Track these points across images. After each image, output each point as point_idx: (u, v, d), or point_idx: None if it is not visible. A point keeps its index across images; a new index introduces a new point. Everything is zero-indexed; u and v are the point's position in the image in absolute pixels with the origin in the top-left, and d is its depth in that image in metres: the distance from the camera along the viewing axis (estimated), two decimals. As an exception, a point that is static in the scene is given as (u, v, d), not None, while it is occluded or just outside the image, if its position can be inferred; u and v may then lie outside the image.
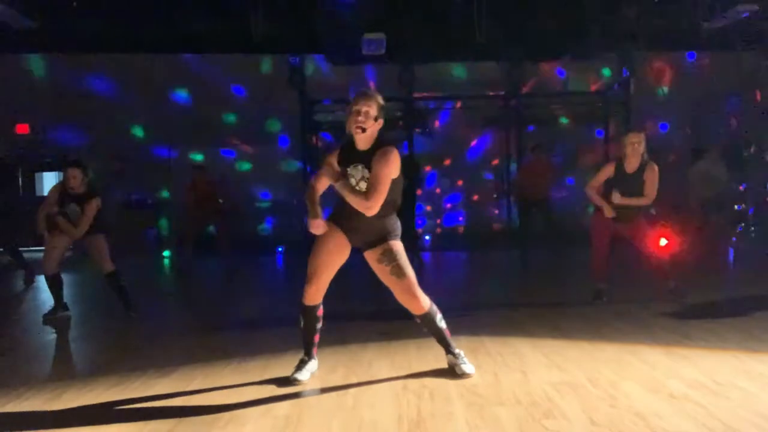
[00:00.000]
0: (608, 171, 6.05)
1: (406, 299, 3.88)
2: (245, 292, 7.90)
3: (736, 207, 11.35)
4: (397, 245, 3.87)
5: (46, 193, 14.09)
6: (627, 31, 10.39)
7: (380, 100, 3.77)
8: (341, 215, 3.85)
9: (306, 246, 4.56)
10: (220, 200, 9.56)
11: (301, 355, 4.01)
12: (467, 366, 3.93)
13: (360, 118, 3.68)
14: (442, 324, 3.98)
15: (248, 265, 10.12)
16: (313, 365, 4.00)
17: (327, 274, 3.87)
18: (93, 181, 6.25)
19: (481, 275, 9.33)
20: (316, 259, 3.84)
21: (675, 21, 10.07)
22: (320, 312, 3.95)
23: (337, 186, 3.73)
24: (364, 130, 3.70)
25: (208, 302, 7.41)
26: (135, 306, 6.18)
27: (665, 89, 12.95)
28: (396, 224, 3.92)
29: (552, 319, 5.44)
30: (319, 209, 3.82)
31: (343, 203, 3.80)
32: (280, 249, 11.70)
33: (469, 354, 4.34)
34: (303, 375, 3.89)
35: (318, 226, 3.76)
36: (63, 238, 6.07)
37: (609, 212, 5.97)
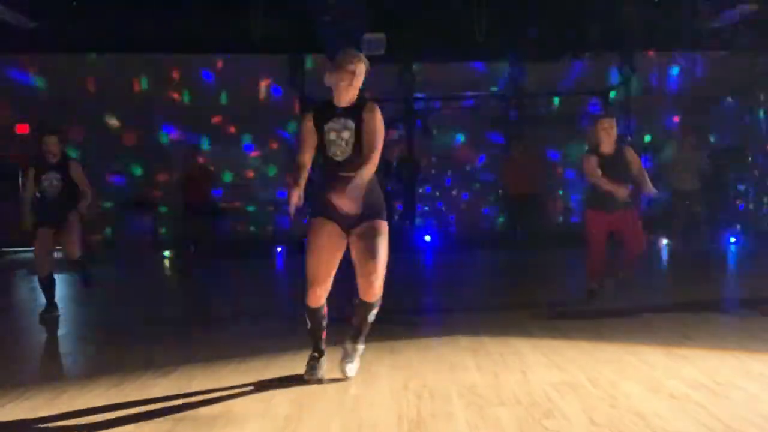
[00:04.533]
0: (591, 160, 5.98)
1: (366, 282, 3.73)
2: (245, 292, 7.90)
3: (739, 206, 11.38)
4: (384, 226, 3.76)
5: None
6: (627, 31, 10.41)
7: (366, 62, 3.75)
8: (323, 199, 3.69)
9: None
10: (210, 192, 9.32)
11: (307, 353, 3.97)
12: (351, 366, 3.90)
13: (346, 75, 3.65)
14: (372, 318, 3.91)
15: (248, 265, 10.12)
16: (324, 360, 3.96)
17: (328, 272, 3.77)
18: (67, 149, 6.20)
19: (481, 275, 9.33)
20: (314, 260, 3.74)
21: (675, 21, 10.07)
22: (325, 310, 3.90)
23: (349, 191, 3.49)
24: (350, 85, 3.67)
25: (207, 302, 7.40)
26: (94, 281, 6.25)
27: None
28: (383, 203, 3.81)
29: (552, 319, 5.44)
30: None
31: (324, 188, 3.68)
32: (279, 249, 11.69)
33: (469, 354, 4.36)
34: (321, 372, 3.86)
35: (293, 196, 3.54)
36: (49, 234, 5.95)
37: (624, 192, 5.84)
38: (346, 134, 3.66)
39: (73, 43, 11.10)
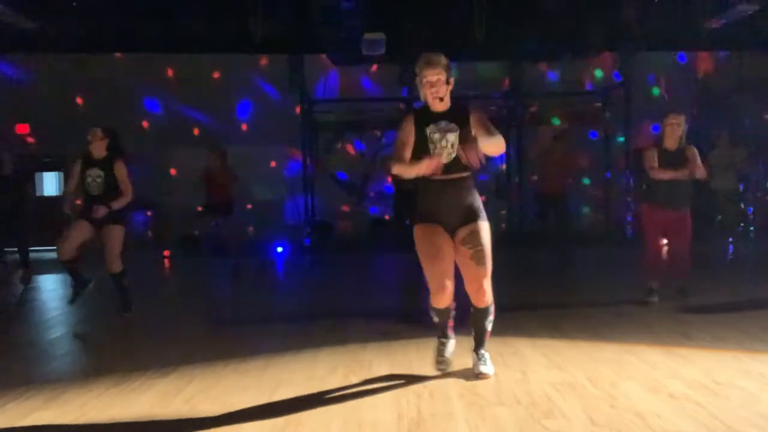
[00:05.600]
0: (652, 154, 5.91)
1: (475, 288, 3.75)
2: (245, 292, 7.90)
3: (742, 206, 11.35)
4: (486, 227, 3.76)
5: (46, 194, 14.11)
6: (627, 31, 10.41)
7: (444, 60, 3.72)
8: (428, 204, 3.75)
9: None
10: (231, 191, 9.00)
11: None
12: (486, 367, 3.89)
13: (434, 89, 3.66)
14: (489, 326, 3.92)
15: (248, 264, 10.12)
16: (452, 344, 4.00)
17: (450, 275, 3.75)
18: (118, 146, 5.96)
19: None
20: (435, 268, 3.70)
21: (675, 21, 10.07)
22: (453, 304, 3.91)
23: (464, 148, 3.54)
24: (442, 99, 3.69)
25: (207, 302, 7.40)
26: (130, 307, 6.06)
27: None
28: (481, 203, 3.83)
29: (552, 319, 5.44)
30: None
31: (425, 195, 3.74)
32: (279, 249, 11.70)
33: (469, 354, 4.35)
34: (449, 355, 3.94)
35: (432, 163, 3.54)
36: (84, 227, 5.80)
37: (688, 173, 5.73)
38: (450, 136, 3.68)
39: (73, 43, 11.10)
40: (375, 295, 7.26)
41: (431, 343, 4.10)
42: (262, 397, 3.60)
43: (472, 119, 3.72)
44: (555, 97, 12.81)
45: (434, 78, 3.65)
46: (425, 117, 3.75)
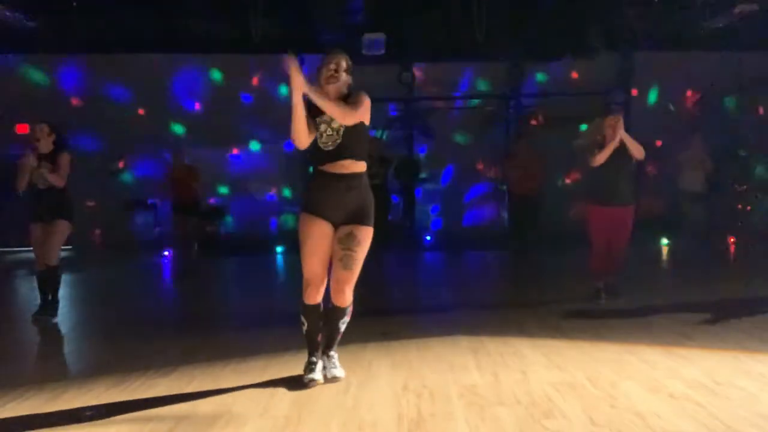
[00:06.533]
0: (591, 150, 5.99)
1: (338, 288, 3.80)
2: (245, 292, 7.90)
3: (739, 207, 11.36)
4: (366, 234, 3.78)
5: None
6: (627, 31, 10.40)
7: (348, 58, 3.86)
8: (320, 193, 3.75)
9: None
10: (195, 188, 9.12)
11: (304, 356, 3.97)
12: (337, 370, 3.90)
13: (332, 68, 3.75)
14: (342, 326, 3.93)
15: (247, 264, 10.12)
16: (320, 364, 3.93)
17: (323, 268, 3.80)
18: (63, 141, 6.07)
19: (480, 275, 9.33)
20: (309, 259, 3.77)
21: (675, 21, 10.07)
22: (322, 309, 3.91)
23: (312, 94, 3.60)
24: (337, 80, 3.76)
25: (207, 302, 7.40)
26: (55, 311, 5.98)
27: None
28: (372, 205, 3.84)
29: (552, 319, 5.44)
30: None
31: (320, 179, 3.75)
32: (279, 249, 11.69)
33: (469, 354, 4.36)
34: (317, 375, 3.83)
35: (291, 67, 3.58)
36: (40, 229, 5.89)
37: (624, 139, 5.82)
38: (335, 124, 3.73)
39: (73, 43, 11.09)
40: (375, 295, 7.25)
41: (431, 343, 4.11)
42: (262, 397, 3.60)
43: (349, 100, 3.77)
44: (554, 98, 12.79)
45: (335, 61, 3.80)
46: (317, 106, 3.75)
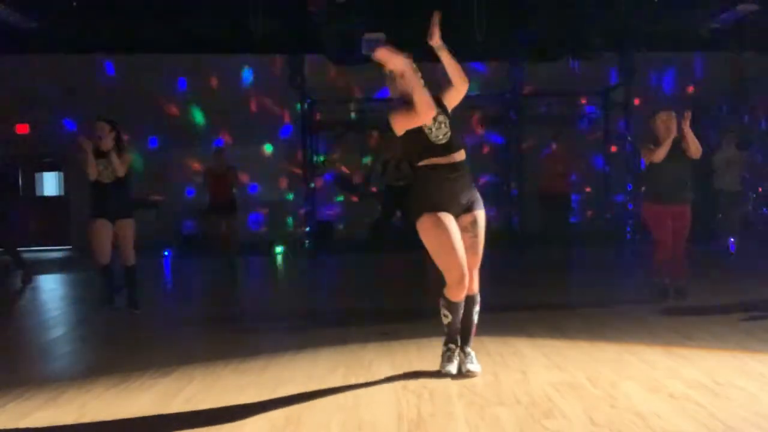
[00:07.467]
0: (647, 148, 5.92)
1: (473, 275, 3.93)
2: (245, 292, 7.90)
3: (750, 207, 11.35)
4: (483, 217, 3.92)
5: (46, 194, 14.09)
6: (627, 31, 10.40)
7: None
8: (438, 188, 3.76)
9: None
10: (234, 190, 8.82)
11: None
12: (474, 365, 3.92)
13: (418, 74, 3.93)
14: (476, 317, 4.02)
15: (248, 264, 10.13)
16: (458, 352, 3.99)
17: (466, 264, 3.82)
18: (123, 142, 6.22)
19: (480, 275, 9.32)
20: (454, 255, 3.73)
21: (675, 21, 10.07)
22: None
23: (414, 79, 3.82)
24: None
25: (207, 302, 7.40)
26: (138, 304, 6.23)
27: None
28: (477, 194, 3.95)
29: (552, 319, 5.44)
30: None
31: (434, 175, 3.77)
32: (279, 250, 11.70)
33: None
34: (455, 365, 3.92)
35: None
36: (106, 226, 6.07)
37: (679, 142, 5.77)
38: (442, 117, 3.85)
39: (73, 43, 11.09)
40: (375, 294, 7.25)
41: (431, 343, 4.10)
42: (262, 397, 3.60)
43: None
44: (554, 98, 12.79)
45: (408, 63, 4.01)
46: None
